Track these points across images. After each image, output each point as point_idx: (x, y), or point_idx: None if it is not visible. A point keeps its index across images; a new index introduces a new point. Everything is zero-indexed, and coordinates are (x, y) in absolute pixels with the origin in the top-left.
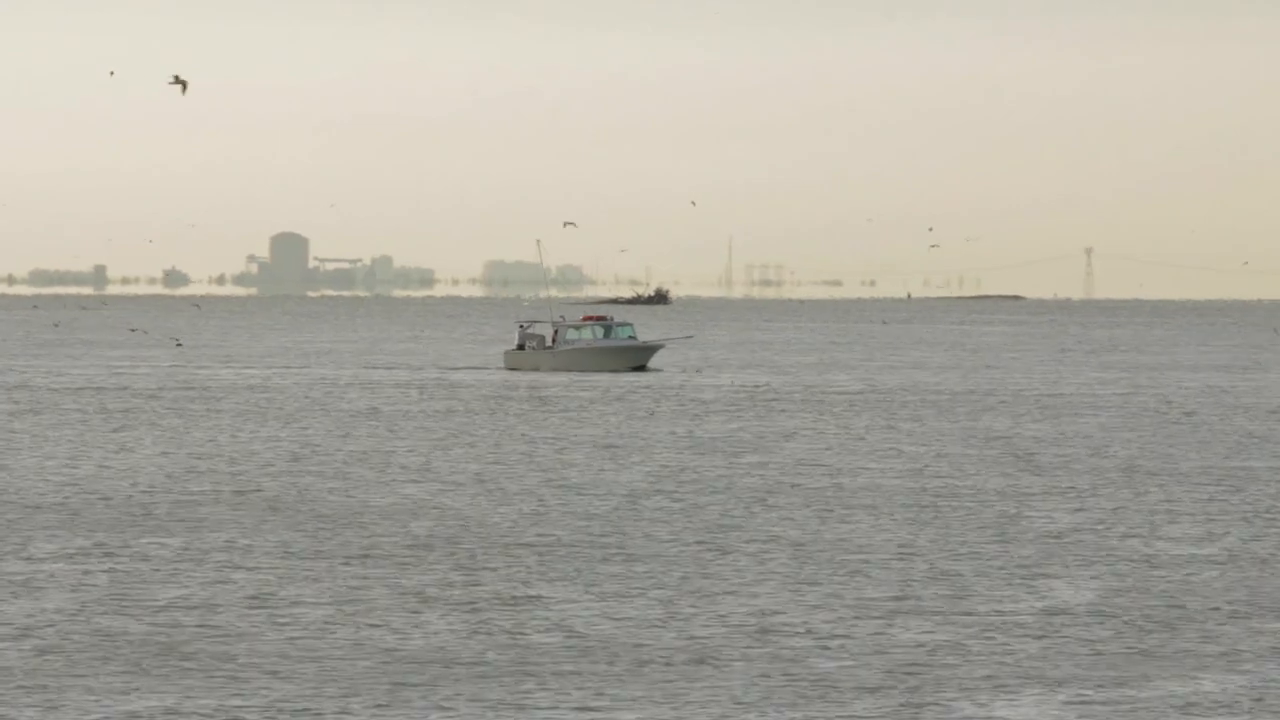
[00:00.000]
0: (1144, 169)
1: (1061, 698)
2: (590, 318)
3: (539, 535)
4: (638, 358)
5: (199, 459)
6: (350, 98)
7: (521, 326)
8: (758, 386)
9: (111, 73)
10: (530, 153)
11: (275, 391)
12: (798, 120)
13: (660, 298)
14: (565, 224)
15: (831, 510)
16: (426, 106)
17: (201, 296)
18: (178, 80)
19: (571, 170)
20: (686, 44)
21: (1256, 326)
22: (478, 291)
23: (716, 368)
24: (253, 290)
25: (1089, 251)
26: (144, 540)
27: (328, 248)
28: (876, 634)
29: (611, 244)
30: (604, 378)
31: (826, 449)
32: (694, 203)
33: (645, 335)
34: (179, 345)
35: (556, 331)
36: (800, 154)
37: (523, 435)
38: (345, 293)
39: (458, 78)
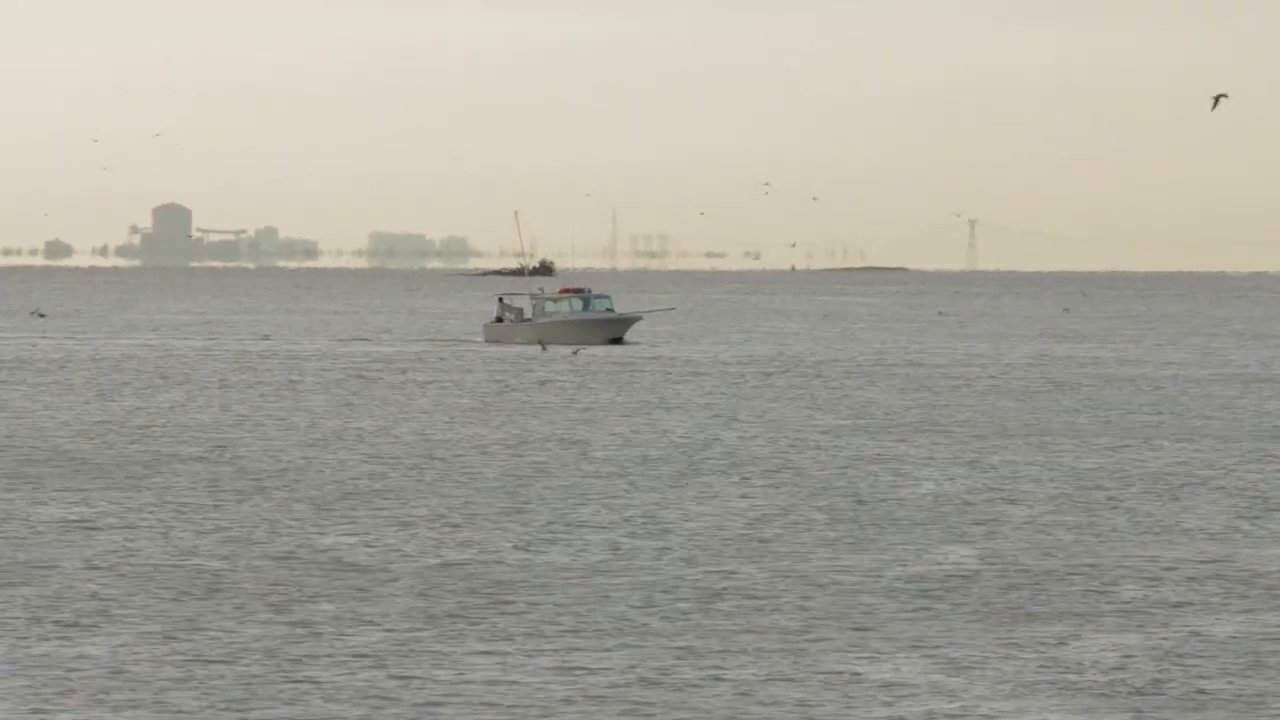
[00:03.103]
0: (1026, 142)
1: (935, 657)
2: (568, 290)
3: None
4: (615, 329)
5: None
6: (233, 69)
7: (501, 299)
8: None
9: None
10: (414, 124)
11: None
12: (682, 93)
13: (545, 269)
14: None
15: (704, 474)
16: (310, 78)
17: (85, 269)
18: (1216, 101)
19: (456, 142)
20: (572, 17)
21: (1140, 298)
22: (362, 263)
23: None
24: (136, 261)
25: (973, 223)
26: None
27: (211, 219)
28: (750, 597)
29: (497, 215)
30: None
31: (712, 418)
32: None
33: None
34: (41, 317)
35: (535, 304)
36: (684, 127)
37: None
38: (230, 264)
39: (341, 49)
